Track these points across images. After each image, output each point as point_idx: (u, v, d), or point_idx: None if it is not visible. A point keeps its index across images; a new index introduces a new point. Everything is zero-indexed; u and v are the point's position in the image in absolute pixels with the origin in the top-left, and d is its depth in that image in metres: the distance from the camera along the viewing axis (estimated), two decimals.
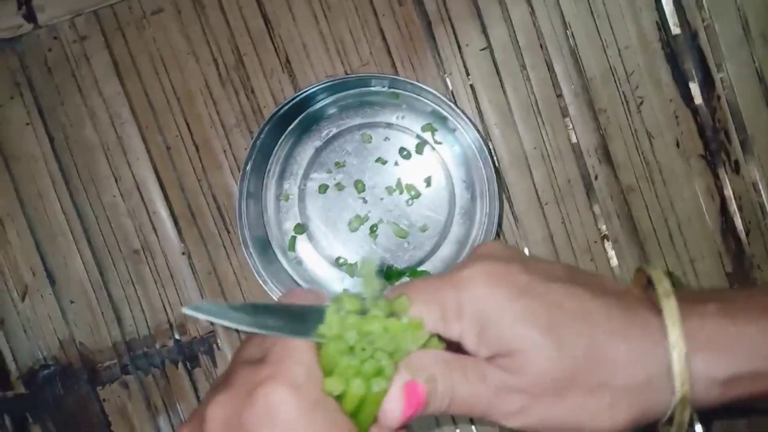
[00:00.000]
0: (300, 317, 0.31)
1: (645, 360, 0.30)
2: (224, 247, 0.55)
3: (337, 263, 0.54)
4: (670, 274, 0.35)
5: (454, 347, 0.32)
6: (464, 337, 0.31)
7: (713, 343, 0.30)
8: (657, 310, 0.31)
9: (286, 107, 0.50)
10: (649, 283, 0.33)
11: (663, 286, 0.31)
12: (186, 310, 0.29)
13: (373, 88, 0.51)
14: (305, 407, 0.28)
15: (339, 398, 0.30)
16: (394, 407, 0.29)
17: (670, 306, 0.30)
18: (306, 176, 0.54)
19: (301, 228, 0.54)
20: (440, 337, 0.32)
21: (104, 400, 0.57)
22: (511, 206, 0.53)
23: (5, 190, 0.56)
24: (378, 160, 0.53)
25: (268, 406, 0.28)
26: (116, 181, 0.56)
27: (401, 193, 0.53)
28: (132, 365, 0.57)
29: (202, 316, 0.30)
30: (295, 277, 0.53)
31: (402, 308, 0.31)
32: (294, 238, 0.54)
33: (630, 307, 0.31)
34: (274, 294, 0.51)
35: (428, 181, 0.53)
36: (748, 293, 0.35)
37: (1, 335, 0.57)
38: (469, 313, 0.30)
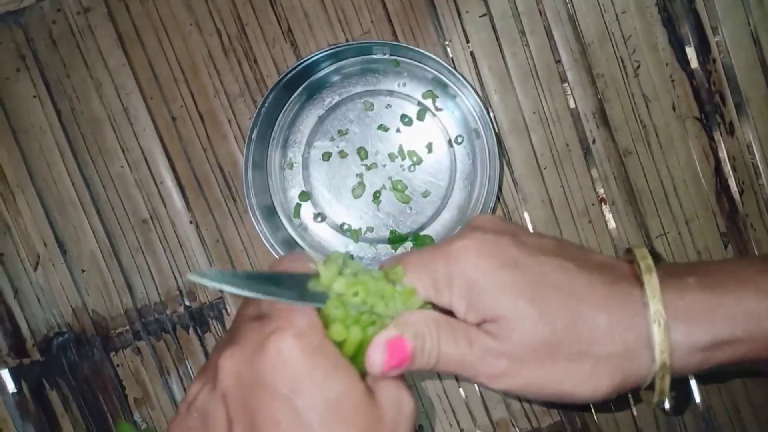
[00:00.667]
0: (299, 283, 0.33)
1: (625, 330, 0.32)
2: (231, 215, 0.57)
3: (342, 229, 0.55)
4: (654, 253, 0.36)
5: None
6: (454, 304, 0.33)
7: (692, 312, 0.32)
8: (640, 284, 0.33)
9: (289, 76, 0.51)
10: (631, 258, 0.35)
11: (645, 262, 0.33)
12: (191, 277, 0.31)
13: (374, 56, 0.52)
14: (311, 352, 0.31)
15: (340, 345, 0.33)
16: (376, 357, 0.32)
17: (650, 280, 0.32)
18: (309, 144, 0.55)
19: (306, 195, 0.55)
20: (434, 306, 0.34)
21: (118, 365, 0.59)
22: (510, 171, 0.54)
23: (15, 163, 0.57)
24: (380, 127, 0.54)
25: (279, 354, 0.31)
26: (123, 152, 0.57)
27: (403, 159, 0.54)
28: (144, 331, 0.58)
29: (206, 282, 0.31)
30: (301, 243, 0.55)
31: (397, 277, 0.33)
32: (299, 206, 0.55)
33: (614, 281, 0.33)
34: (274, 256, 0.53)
35: (429, 147, 0.54)
36: (724, 264, 0.37)
37: (16, 304, 0.59)
38: (459, 282, 0.32)
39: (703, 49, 0.52)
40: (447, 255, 0.33)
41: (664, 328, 0.31)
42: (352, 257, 0.54)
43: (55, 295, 0.59)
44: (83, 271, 0.58)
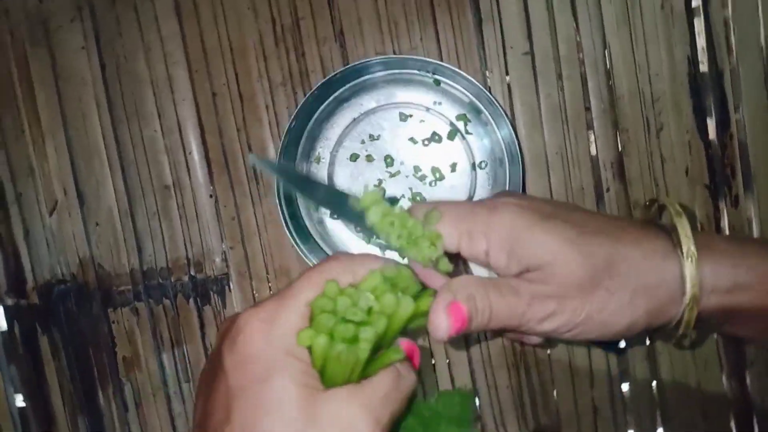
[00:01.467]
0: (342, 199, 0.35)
1: (659, 265, 0.35)
2: (251, 196, 0.58)
3: (355, 229, 0.57)
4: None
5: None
6: (492, 253, 0.35)
7: (719, 256, 0.35)
8: (665, 231, 0.36)
9: (335, 76, 0.53)
10: (659, 214, 0.38)
11: (675, 207, 0.36)
12: (251, 158, 0.33)
13: (417, 72, 0.54)
14: (265, 340, 0.31)
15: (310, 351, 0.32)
16: (441, 322, 0.33)
17: (682, 222, 0.35)
18: (339, 143, 0.57)
19: None
20: (450, 258, 0.35)
21: (114, 322, 0.60)
22: None
23: (51, 108, 0.58)
24: (410, 139, 0.56)
25: (240, 328, 0.32)
26: (159, 117, 0.58)
27: (426, 173, 0.56)
28: (145, 294, 0.60)
29: (264, 167, 0.33)
30: (315, 236, 0.56)
31: (433, 220, 0.34)
32: None
33: (644, 226, 0.37)
34: (294, 245, 0.54)
35: (453, 167, 0.56)
36: (747, 237, 0.40)
37: (24, 246, 0.60)
38: (500, 233, 0.34)
39: (723, 123, 0.55)
40: (488, 208, 0.35)
41: (696, 264, 0.34)
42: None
43: (65, 243, 0.60)
44: (97, 224, 0.59)
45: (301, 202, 0.57)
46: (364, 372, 0.33)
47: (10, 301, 0.61)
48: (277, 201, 0.54)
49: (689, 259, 0.34)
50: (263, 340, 0.31)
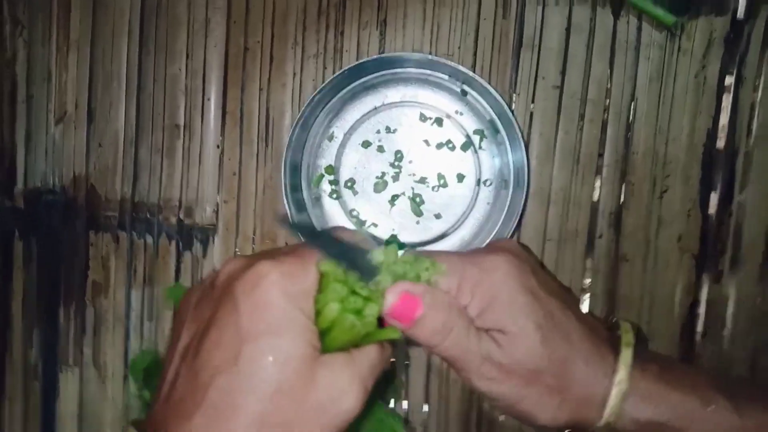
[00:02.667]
0: (359, 255, 0.36)
1: (595, 384, 0.38)
2: (256, 156, 0.59)
3: (350, 214, 0.58)
4: (638, 329, 0.42)
5: None
6: (471, 307, 0.37)
7: (645, 392, 0.38)
8: (615, 351, 0.39)
9: (367, 61, 0.53)
10: (616, 329, 0.41)
11: (627, 338, 0.40)
12: (277, 219, 0.35)
13: (447, 78, 0.55)
14: (280, 295, 0.32)
15: (318, 315, 0.34)
16: (388, 298, 0.35)
17: (626, 354, 0.39)
18: (355, 127, 0.57)
19: (332, 170, 0.57)
20: None
21: (92, 244, 0.60)
22: (518, 230, 0.57)
23: (84, 22, 0.58)
24: (425, 141, 0.57)
25: (258, 277, 0.33)
26: (187, 57, 0.58)
27: (431, 177, 0.57)
28: (130, 225, 0.60)
29: (285, 227, 0.34)
30: (309, 210, 0.57)
31: (437, 271, 0.36)
32: (322, 176, 0.57)
33: (598, 341, 0.39)
34: (288, 213, 0.55)
35: (459, 178, 0.57)
36: (686, 370, 0.43)
37: (22, 148, 0.60)
38: (484, 290, 0.37)
39: (726, 201, 0.57)
40: (480, 265, 0.37)
41: (621, 395, 0.37)
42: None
43: (64, 156, 0.60)
44: (100, 145, 0.59)
45: (305, 174, 0.57)
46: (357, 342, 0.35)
47: None
48: (282, 168, 0.54)
49: (618, 388, 0.38)
50: (282, 293, 0.32)
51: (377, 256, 0.35)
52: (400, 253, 0.37)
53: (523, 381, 0.37)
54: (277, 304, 0.32)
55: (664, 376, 0.39)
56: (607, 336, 0.40)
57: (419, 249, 0.57)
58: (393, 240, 0.57)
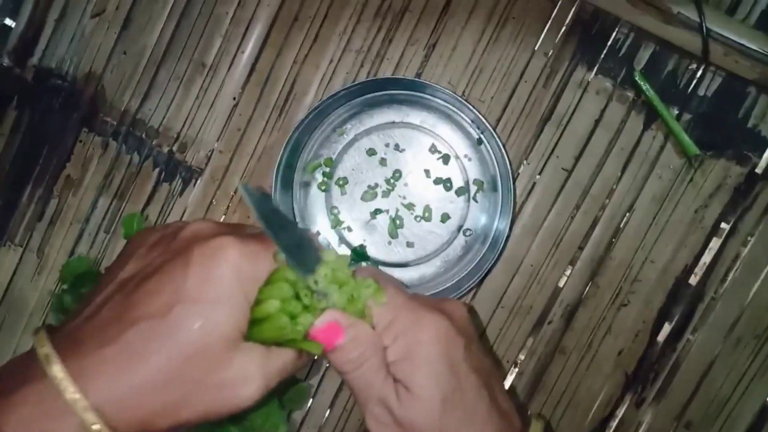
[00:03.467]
0: (302, 249, 0.36)
1: None
2: (267, 122, 0.59)
3: (330, 209, 0.58)
4: (549, 427, 0.42)
5: None
6: (389, 351, 0.37)
7: None
8: None
9: (401, 78, 0.54)
10: (528, 423, 0.40)
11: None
12: (240, 186, 0.35)
13: (469, 122, 0.56)
14: (232, 269, 0.33)
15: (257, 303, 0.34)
16: (317, 321, 0.35)
17: None
18: (368, 133, 0.58)
19: (330, 162, 0.58)
20: None
21: (80, 141, 0.60)
22: (478, 287, 0.58)
23: None
24: (425, 170, 0.57)
25: (218, 248, 0.33)
26: (238, 4, 0.58)
27: (418, 207, 0.57)
28: (123, 137, 0.60)
29: (246, 197, 0.34)
30: (294, 191, 0.57)
31: (377, 298, 0.36)
32: (318, 165, 0.58)
33: (504, 428, 0.39)
34: (272, 185, 0.55)
35: (444, 218, 0.57)
36: None
37: (51, 25, 0.60)
38: (406, 342, 0.37)
39: (676, 336, 0.58)
40: (415, 316, 0.37)
41: None
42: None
43: (87, 49, 0.60)
44: (124, 53, 0.59)
45: (303, 159, 0.58)
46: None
47: (7, 62, 0.61)
48: (285, 143, 0.55)
49: None
50: (234, 271, 0.33)
51: (327, 255, 0.36)
52: (352, 265, 0.37)
53: None
54: (226, 279, 0.33)
55: None
56: (518, 426, 0.40)
57: (380, 267, 0.58)
58: (361, 250, 0.57)
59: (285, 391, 0.54)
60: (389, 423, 0.37)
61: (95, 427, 0.30)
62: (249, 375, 0.33)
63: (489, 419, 0.38)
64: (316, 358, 0.43)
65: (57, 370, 0.31)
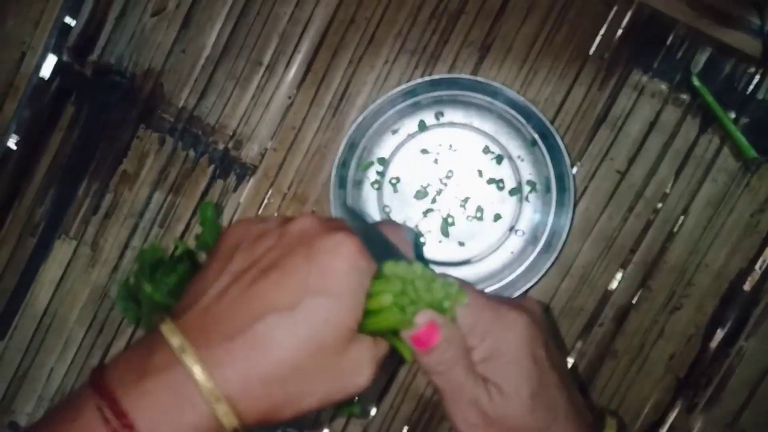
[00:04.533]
0: (387, 253, 0.38)
1: None
2: (321, 121, 0.60)
3: (383, 207, 0.59)
4: (621, 424, 0.42)
5: None
6: (476, 352, 0.38)
7: None
8: None
9: (459, 78, 0.55)
10: (601, 418, 0.42)
11: (610, 430, 0.41)
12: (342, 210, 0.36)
13: (523, 122, 0.56)
14: (353, 264, 0.34)
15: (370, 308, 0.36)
16: (414, 321, 0.36)
17: None
18: (420, 132, 0.58)
19: (384, 162, 0.58)
20: None
21: (138, 137, 0.61)
22: (529, 289, 0.58)
23: None
24: (479, 171, 0.58)
25: (337, 242, 0.34)
26: (296, 5, 0.59)
27: (470, 207, 0.58)
28: (180, 134, 0.61)
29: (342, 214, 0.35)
30: (348, 188, 0.58)
31: (459, 298, 0.37)
32: (371, 164, 0.58)
33: (582, 425, 0.40)
34: (321, 180, 0.56)
35: (496, 218, 0.58)
36: None
37: (111, 23, 0.61)
38: (492, 341, 0.38)
39: (729, 341, 0.57)
40: (499, 315, 0.38)
41: None
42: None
43: (146, 46, 0.61)
44: (183, 51, 0.61)
45: (357, 157, 0.58)
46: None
47: (67, 58, 0.62)
48: (343, 142, 0.56)
49: None
50: (354, 266, 0.34)
51: (414, 269, 0.36)
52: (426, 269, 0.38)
53: None
54: (347, 273, 0.34)
55: None
56: (591, 423, 0.41)
57: (431, 266, 0.58)
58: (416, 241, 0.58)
59: None
60: (480, 424, 0.38)
61: (226, 416, 0.31)
62: (364, 363, 0.35)
63: (569, 414, 0.39)
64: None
65: (191, 360, 0.32)
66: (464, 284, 0.39)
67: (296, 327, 0.33)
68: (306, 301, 0.33)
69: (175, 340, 0.32)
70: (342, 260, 0.34)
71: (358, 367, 0.35)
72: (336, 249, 0.34)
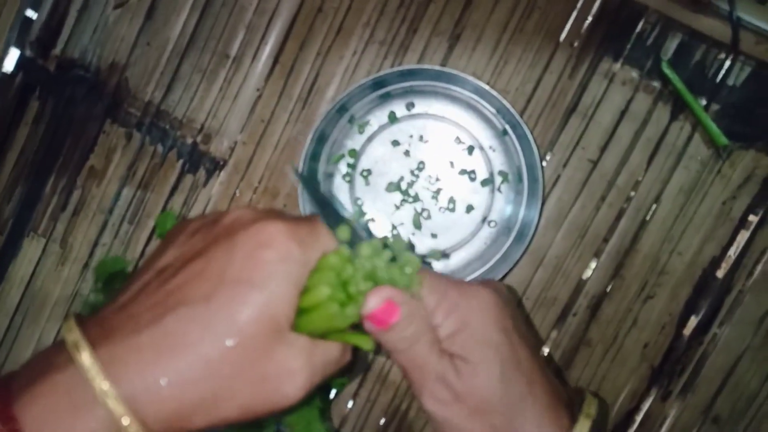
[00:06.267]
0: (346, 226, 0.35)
1: None
2: (290, 113, 0.59)
3: (355, 200, 0.58)
4: (600, 404, 0.41)
5: None
6: (442, 328, 0.37)
7: None
8: (572, 417, 0.38)
9: (426, 69, 0.54)
10: (579, 397, 0.40)
11: (589, 409, 0.39)
12: (291, 170, 0.34)
13: (493, 112, 0.55)
14: (283, 256, 0.31)
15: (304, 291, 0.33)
16: (371, 299, 0.34)
17: (584, 424, 0.38)
18: (390, 125, 0.57)
19: (354, 154, 0.58)
20: None
21: (104, 132, 0.60)
22: (502, 280, 0.58)
23: None
24: (450, 162, 0.57)
25: (268, 234, 0.31)
26: None
27: (443, 199, 0.57)
28: (147, 128, 0.60)
29: (293, 176, 0.34)
30: (320, 180, 0.57)
31: (413, 282, 0.36)
32: (342, 156, 0.58)
33: (557, 400, 0.38)
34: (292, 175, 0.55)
35: (468, 209, 0.57)
36: None
37: (74, 15, 0.60)
38: (458, 315, 0.37)
39: (703, 329, 0.57)
40: (464, 290, 0.38)
41: None
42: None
43: (110, 39, 0.60)
44: (148, 44, 0.59)
45: (327, 150, 0.57)
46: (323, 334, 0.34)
47: (29, 53, 0.61)
48: (311, 134, 0.55)
49: None
50: (283, 255, 0.31)
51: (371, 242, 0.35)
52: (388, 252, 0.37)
53: (470, 411, 0.36)
54: (274, 263, 0.31)
55: None
56: (566, 401, 0.39)
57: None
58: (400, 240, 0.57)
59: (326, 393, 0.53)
60: (448, 400, 0.36)
61: (124, 419, 0.28)
62: (294, 369, 0.31)
63: (543, 387, 0.37)
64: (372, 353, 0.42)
65: (85, 357, 0.28)
66: (422, 270, 0.37)
67: (210, 320, 0.29)
68: (223, 292, 0.30)
69: (70, 336, 0.29)
70: (269, 249, 0.30)
71: (287, 374, 0.30)
72: (262, 237, 0.31)
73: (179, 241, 0.33)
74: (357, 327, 0.36)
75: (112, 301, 0.33)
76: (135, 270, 0.35)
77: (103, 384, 0.28)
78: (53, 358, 0.30)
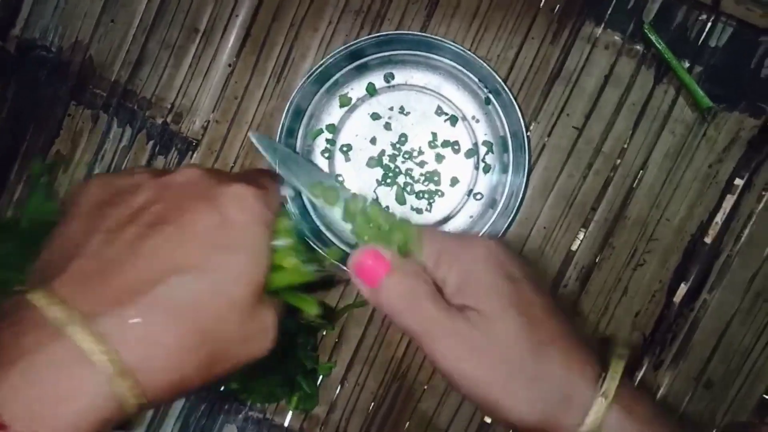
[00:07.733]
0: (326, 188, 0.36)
1: (572, 386, 0.34)
2: (264, 89, 0.57)
3: (335, 177, 0.56)
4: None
5: None
6: (447, 281, 0.35)
7: (631, 414, 0.34)
8: (597, 364, 0.35)
9: (403, 36, 0.52)
10: (602, 347, 0.37)
11: (621, 350, 0.36)
12: (252, 135, 0.33)
13: (476, 81, 0.54)
14: (253, 218, 0.32)
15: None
16: (356, 253, 0.35)
17: (618, 366, 0.35)
18: (370, 96, 0.55)
19: (333, 129, 0.56)
20: None
21: (70, 115, 0.57)
22: None
23: None
24: (433, 133, 0.55)
25: (236, 195, 0.32)
26: None
27: (426, 174, 0.55)
28: (114, 109, 0.57)
29: (259, 145, 0.33)
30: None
31: (409, 237, 0.35)
32: (321, 131, 0.56)
33: (582, 344, 0.36)
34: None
35: (453, 182, 0.56)
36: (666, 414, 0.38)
37: (31, 0, 0.57)
38: (461, 266, 0.35)
39: (693, 295, 0.57)
40: (464, 242, 0.36)
41: (607, 405, 0.33)
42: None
43: (73, 17, 0.57)
44: (112, 21, 0.57)
45: (305, 125, 0.55)
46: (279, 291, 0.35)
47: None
48: (286, 109, 0.53)
49: (605, 397, 0.34)
50: (259, 218, 0.32)
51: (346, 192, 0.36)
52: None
53: (493, 362, 0.34)
54: (254, 226, 0.32)
55: (648, 406, 0.35)
56: (589, 348, 0.36)
57: None
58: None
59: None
60: (465, 354, 0.34)
61: (130, 391, 0.27)
62: (269, 326, 0.32)
63: (568, 330, 0.35)
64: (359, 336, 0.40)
65: (80, 332, 0.27)
66: (419, 227, 0.37)
67: (204, 288, 0.29)
68: (214, 259, 0.30)
69: (54, 310, 0.27)
70: (247, 213, 0.31)
71: (265, 331, 0.32)
72: (239, 201, 0.31)
73: (119, 201, 0.31)
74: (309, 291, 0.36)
75: (56, 265, 0.30)
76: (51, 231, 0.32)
77: (105, 357, 0.27)
78: (23, 339, 0.27)
